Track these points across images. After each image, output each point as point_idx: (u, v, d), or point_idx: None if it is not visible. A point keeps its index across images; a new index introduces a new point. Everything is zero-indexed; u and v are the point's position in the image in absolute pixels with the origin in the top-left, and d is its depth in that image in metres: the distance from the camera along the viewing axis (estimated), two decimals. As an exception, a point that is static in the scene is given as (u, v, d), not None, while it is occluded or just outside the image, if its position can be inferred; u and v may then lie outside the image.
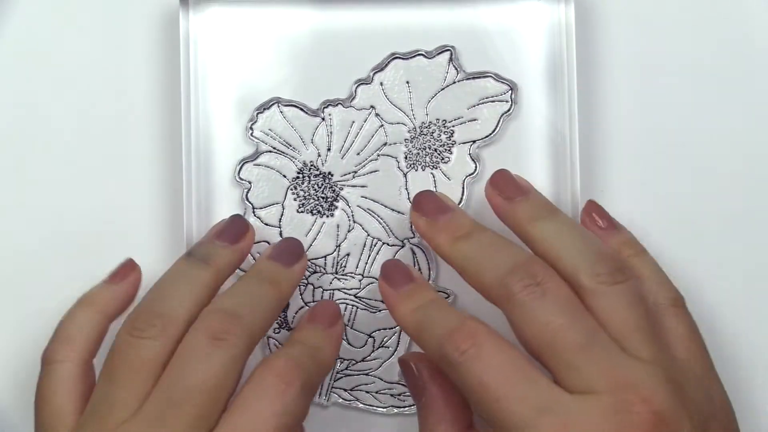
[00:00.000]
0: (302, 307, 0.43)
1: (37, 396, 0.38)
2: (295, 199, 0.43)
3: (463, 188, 0.43)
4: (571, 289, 0.36)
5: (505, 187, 0.40)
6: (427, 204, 0.40)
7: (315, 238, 0.43)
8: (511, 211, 0.39)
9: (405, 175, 0.43)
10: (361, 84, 0.43)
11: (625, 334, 0.36)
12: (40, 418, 0.38)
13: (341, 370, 0.43)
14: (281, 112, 0.43)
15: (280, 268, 0.40)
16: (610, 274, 0.36)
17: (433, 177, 0.43)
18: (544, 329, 0.35)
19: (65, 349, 0.39)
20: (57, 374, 0.38)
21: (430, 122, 0.43)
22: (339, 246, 0.43)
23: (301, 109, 0.43)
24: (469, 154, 0.43)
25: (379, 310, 0.43)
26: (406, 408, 0.43)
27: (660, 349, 0.36)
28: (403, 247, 0.43)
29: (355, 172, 0.43)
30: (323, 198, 0.43)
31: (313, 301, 0.43)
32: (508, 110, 0.43)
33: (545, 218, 0.38)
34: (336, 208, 0.43)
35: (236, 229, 0.41)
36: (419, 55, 0.43)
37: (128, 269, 0.41)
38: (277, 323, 0.43)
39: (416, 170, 0.43)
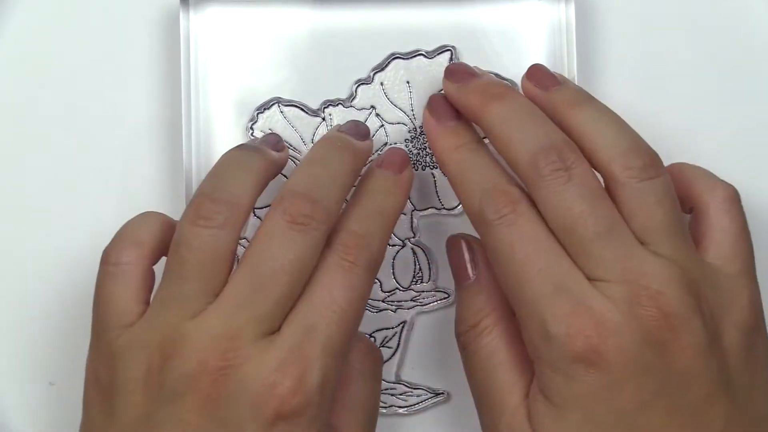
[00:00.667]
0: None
1: (97, 296, 0.37)
2: (295, 199, 0.43)
3: (463, 188, 0.43)
4: (600, 179, 0.36)
5: (542, 77, 0.39)
6: (458, 69, 0.40)
7: (315, 238, 0.43)
8: (550, 99, 0.39)
9: (405, 175, 0.43)
10: (362, 84, 0.43)
11: (649, 230, 0.36)
12: (102, 317, 0.36)
13: (342, 370, 0.44)
14: (281, 112, 0.43)
15: (351, 140, 0.39)
16: (642, 169, 0.36)
17: (434, 177, 0.43)
18: (565, 213, 0.35)
19: (132, 252, 0.37)
20: (123, 276, 0.37)
21: (430, 122, 0.43)
22: (339, 246, 0.43)
23: (302, 109, 0.43)
24: (470, 154, 0.43)
25: (380, 310, 0.43)
26: (407, 408, 0.43)
27: (682, 248, 0.36)
28: (403, 247, 0.43)
29: (356, 172, 0.43)
30: (324, 198, 0.43)
31: (314, 301, 0.43)
32: (509, 110, 0.43)
33: (583, 104, 0.38)
34: (336, 208, 0.43)
35: (275, 138, 0.40)
36: (419, 55, 0.43)
37: None
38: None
39: (416, 170, 0.43)
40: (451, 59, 0.43)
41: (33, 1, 0.44)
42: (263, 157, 0.38)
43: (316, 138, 0.43)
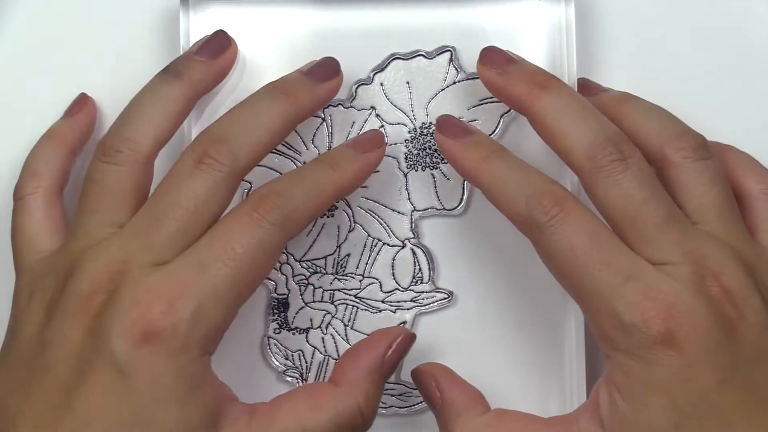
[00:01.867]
0: (302, 308, 0.43)
1: (12, 232, 0.40)
2: (295, 200, 0.43)
3: (463, 188, 0.43)
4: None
5: (591, 86, 0.42)
6: (495, 55, 0.40)
7: (315, 239, 0.43)
8: (598, 100, 0.40)
9: (405, 175, 0.43)
10: (362, 84, 0.43)
11: (703, 210, 0.37)
12: (17, 249, 0.39)
13: (342, 371, 0.44)
14: (281, 112, 0.43)
15: (304, 82, 0.40)
16: (694, 150, 0.38)
17: (434, 177, 0.43)
18: (627, 202, 0.36)
19: (32, 182, 0.40)
20: (27, 207, 0.40)
21: (430, 123, 0.43)
22: (339, 246, 0.43)
23: (302, 110, 0.43)
24: (470, 154, 0.43)
25: (380, 311, 0.43)
26: (407, 408, 0.44)
27: (735, 228, 0.37)
28: (403, 247, 0.43)
29: (356, 172, 0.43)
30: (323, 198, 0.43)
31: (314, 302, 0.43)
32: (508, 111, 0.43)
33: (627, 99, 0.40)
34: (336, 208, 0.43)
35: (217, 42, 0.41)
36: (419, 55, 0.43)
37: (82, 103, 0.43)
38: (278, 324, 0.43)
39: (416, 170, 0.43)
40: (450, 60, 0.43)
41: (33, 1, 0.44)
42: (181, 85, 0.39)
43: (316, 138, 0.43)
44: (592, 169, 0.36)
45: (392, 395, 0.44)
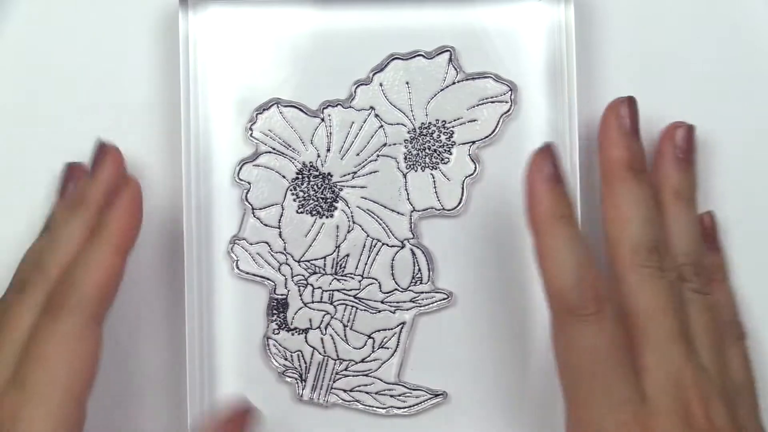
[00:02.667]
0: (301, 308, 0.43)
1: None
2: (294, 200, 0.43)
3: (462, 189, 0.43)
4: None
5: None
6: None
7: (314, 239, 0.43)
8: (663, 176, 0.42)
9: (404, 175, 0.43)
10: (361, 85, 0.43)
11: (701, 340, 0.38)
12: None
13: (340, 371, 0.43)
14: (281, 112, 0.43)
15: (86, 185, 0.40)
16: (704, 284, 0.40)
17: (433, 178, 0.43)
18: (648, 304, 0.37)
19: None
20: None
21: (429, 123, 0.43)
22: (338, 247, 0.43)
23: (301, 110, 0.43)
24: (469, 154, 0.43)
25: (379, 311, 0.43)
26: (406, 409, 0.43)
27: (718, 360, 0.38)
28: (403, 247, 0.43)
29: (355, 172, 0.43)
30: (323, 199, 0.43)
31: (313, 302, 0.43)
32: (508, 111, 0.43)
33: (681, 199, 0.41)
34: (335, 208, 0.43)
35: (94, 156, 0.41)
36: (419, 55, 0.43)
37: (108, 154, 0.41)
38: (277, 324, 0.43)
39: (416, 171, 0.43)
40: (450, 60, 0.43)
41: (33, 1, 0.44)
42: (81, 214, 0.39)
43: (315, 139, 0.43)
44: (631, 265, 0.38)
45: (391, 396, 0.43)
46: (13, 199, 0.44)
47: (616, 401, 0.36)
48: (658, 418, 0.35)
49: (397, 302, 0.43)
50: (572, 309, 0.36)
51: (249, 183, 0.43)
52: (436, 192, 0.43)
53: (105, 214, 0.38)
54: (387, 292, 0.43)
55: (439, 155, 0.43)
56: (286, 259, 0.43)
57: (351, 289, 0.43)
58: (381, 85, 0.43)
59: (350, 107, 0.43)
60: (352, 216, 0.43)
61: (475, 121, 0.43)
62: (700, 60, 0.44)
